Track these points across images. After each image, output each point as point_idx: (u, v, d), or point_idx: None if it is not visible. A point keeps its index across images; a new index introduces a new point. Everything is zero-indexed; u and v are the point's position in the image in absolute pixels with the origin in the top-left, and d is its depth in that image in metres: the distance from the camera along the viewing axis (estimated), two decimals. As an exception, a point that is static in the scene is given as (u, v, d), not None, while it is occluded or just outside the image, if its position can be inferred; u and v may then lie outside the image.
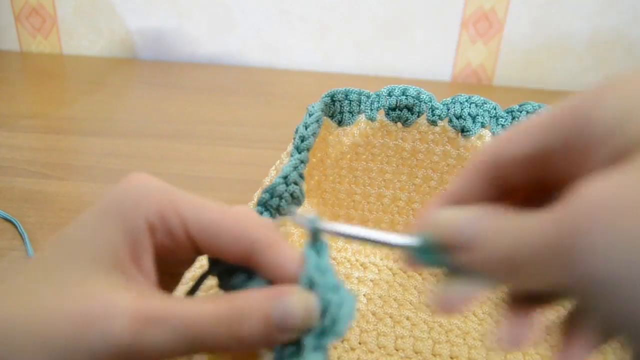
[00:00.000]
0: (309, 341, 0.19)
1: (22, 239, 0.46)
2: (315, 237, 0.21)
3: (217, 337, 0.19)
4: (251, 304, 0.19)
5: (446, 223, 0.18)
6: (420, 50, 0.93)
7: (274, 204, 0.27)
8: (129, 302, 0.19)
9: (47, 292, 0.19)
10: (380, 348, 0.37)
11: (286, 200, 0.27)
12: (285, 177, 0.28)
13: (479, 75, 0.94)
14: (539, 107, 0.39)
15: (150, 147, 0.64)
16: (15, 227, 0.48)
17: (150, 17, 0.92)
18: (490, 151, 0.19)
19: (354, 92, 0.39)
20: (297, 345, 0.19)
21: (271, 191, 0.27)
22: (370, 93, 0.40)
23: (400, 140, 0.40)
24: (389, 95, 0.39)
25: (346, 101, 0.39)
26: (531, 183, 0.19)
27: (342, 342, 0.36)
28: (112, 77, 0.86)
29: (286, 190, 0.27)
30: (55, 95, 0.79)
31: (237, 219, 0.21)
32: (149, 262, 0.21)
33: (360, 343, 0.37)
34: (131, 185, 0.21)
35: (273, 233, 0.21)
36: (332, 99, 0.39)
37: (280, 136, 0.70)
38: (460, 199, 0.20)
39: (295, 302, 0.19)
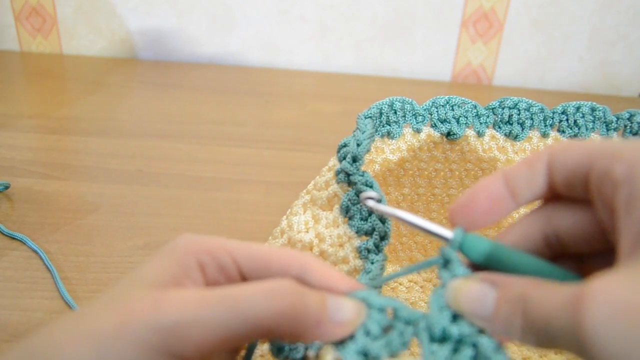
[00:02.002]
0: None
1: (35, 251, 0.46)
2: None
3: (272, 315, 0.20)
4: (309, 292, 0.21)
5: (462, 297, 0.21)
6: (420, 50, 0.93)
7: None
8: (177, 290, 0.21)
9: (93, 303, 0.21)
10: None
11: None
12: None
13: (479, 75, 0.94)
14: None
15: (150, 147, 0.64)
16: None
17: (150, 17, 0.92)
18: (547, 151, 0.22)
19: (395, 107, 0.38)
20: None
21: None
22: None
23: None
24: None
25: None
26: (573, 189, 0.21)
27: None
28: (112, 77, 0.86)
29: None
30: (55, 95, 0.79)
31: (281, 250, 0.23)
32: None
33: None
34: (182, 237, 0.24)
35: (316, 258, 0.23)
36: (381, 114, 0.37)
37: (280, 136, 0.70)
38: (519, 182, 0.22)
39: (348, 301, 0.22)
